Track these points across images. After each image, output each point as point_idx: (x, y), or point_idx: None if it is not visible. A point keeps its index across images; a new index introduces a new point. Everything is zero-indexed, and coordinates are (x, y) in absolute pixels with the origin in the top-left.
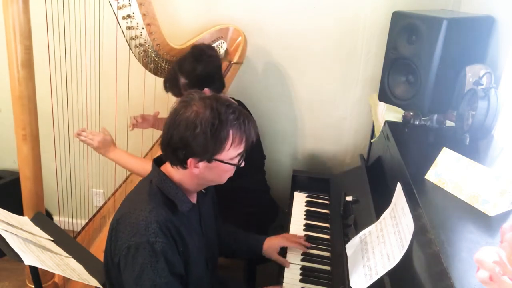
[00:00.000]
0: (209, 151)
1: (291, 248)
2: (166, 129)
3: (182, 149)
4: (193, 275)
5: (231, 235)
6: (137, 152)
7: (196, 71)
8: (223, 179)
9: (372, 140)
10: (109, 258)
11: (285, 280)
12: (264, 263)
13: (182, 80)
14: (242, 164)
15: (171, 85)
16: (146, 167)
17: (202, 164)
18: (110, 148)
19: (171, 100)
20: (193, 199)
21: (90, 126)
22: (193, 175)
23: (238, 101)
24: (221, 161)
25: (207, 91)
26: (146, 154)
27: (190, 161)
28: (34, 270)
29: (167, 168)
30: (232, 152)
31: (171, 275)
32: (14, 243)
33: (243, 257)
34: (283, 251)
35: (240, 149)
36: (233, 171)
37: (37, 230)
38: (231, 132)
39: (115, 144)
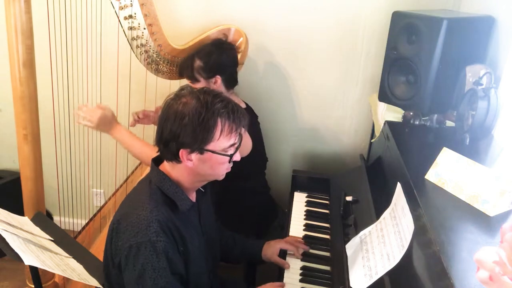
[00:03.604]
0: (198, 141)
1: (291, 250)
2: (158, 123)
3: (172, 141)
4: (193, 274)
5: (229, 239)
6: None
7: (213, 55)
8: (219, 172)
9: (372, 140)
10: (109, 259)
11: (285, 280)
12: (264, 263)
13: (198, 62)
14: (238, 158)
15: (185, 66)
16: (149, 153)
17: (194, 156)
18: (112, 125)
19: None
20: (193, 197)
21: None
22: (189, 170)
23: (246, 104)
24: (213, 152)
25: (218, 79)
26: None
27: (181, 152)
28: (34, 270)
29: (165, 167)
30: (223, 142)
31: (172, 274)
32: (14, 243)
33: (242, 261)
34: (283, 254)
35: (232, 138)
36: (229, 164)
37: (37, 230)
38: (219, 120)
39: (117, 120)
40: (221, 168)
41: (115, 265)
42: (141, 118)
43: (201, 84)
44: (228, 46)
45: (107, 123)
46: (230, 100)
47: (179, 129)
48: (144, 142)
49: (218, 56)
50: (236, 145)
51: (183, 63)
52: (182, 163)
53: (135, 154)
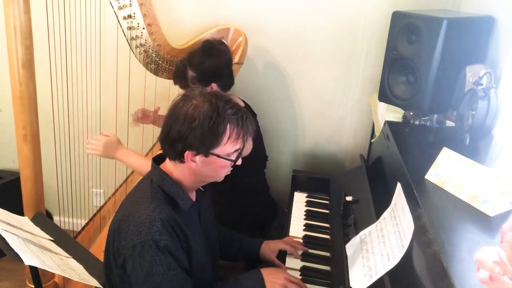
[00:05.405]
0: (205, 144)
1: (290, 251)
2: (165, 122)
3: (179, 142)
4: (195, 272)
5: (228, 237)
6: (138, 151)
7: (204, 64)
8: (220, 175)
9: (372, 140)
10: (111, 259)
11: None
12: (264, 264)
13: (191, 73)
14: (239, 162)
15: (179, 77)
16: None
17: (199, 158)
18: (117, 148)
19: (172, 99)
20: (193, 197)
21: (90, 126)
22: (190, 170)
23: (244, 102)
24: (218, 156)
25: (214, 86)
26: (147, 154)
27: (187, 154)
28: (34, 270)
29: (166, 166)
30: (229, 147)
31: (180, 267)
32: (14, 243)
33: (240, 259)
34: (282, 254)
35: (237, 145)
36: (230, 168)
37: (37, 230)
38: (228, 126)
39: (120, 142)
40: (222, 171)
41: (118, 265)
42: (140, 117)
43: None
44: (217, 51)
45: (112, 148)
46: (240, 107)
47: (188, 132)
48: (147, 158)
49: (210, 64)
50: (239, 151)
51: (176, 73)
52: (185, 164)
53: (139, 171)
